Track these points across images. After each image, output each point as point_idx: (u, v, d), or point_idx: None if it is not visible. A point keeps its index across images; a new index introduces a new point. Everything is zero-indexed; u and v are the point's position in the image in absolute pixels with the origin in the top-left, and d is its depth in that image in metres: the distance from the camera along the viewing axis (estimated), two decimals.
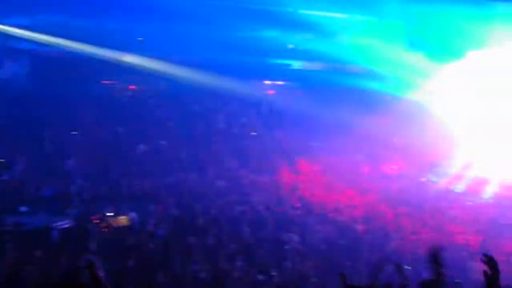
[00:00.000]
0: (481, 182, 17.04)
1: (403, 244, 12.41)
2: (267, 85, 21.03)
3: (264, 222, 13.35)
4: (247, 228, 12.74)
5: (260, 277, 10.18)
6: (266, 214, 13.86)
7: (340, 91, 18.90)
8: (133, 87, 20.04)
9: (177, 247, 11.20)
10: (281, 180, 17.09)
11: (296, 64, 19.77)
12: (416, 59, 17.53)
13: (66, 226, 12.06)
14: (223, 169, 16.83)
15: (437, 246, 4.14)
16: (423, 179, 17.63)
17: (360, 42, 16.96)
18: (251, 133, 19.31)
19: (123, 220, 12.94)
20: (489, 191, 16.26)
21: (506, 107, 18.42)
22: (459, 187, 16.99)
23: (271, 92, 20.87)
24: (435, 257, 4.10)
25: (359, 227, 13.75)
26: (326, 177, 17.34)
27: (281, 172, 17.57)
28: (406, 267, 6.62)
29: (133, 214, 13.12)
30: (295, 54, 18.99)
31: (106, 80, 19.52)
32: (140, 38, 18.24)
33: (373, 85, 18.31)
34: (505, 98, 18.28)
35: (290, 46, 18.70)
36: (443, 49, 16.99)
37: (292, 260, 11.29)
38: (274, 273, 10.33)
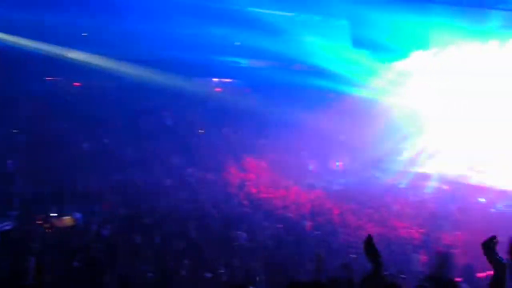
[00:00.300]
0: (423, 178, 17.62)
1: (349, 239, 12.64)
2: (214, 82, 20.99)
3: (212, 220, 13.32)
4: (195, 226, 12.68)
5: (208, 275, 10.14)
6: (213, 212, 13.84)
7: (286, 88, 19.11)
8: (78, 84, 19.54)
9: (124, 247, 11.01)
10: (228, 178, 17.12)
11: (243, 62, 19.81)
12: (361, 57, 17.91)
13: (8, 228, 11.64)
14: (171, 167, 16.70)
15: (370, 236, 4.18)
16: (368, 175, 18.04)
17: (306, 40, 17.15)
18: (199, 131, 19.25)
19: (67, 220, 12.60)
20: (430, 186, 16.81)
21: (447, 105, 19.14)
22: (403, 182, 17.50)
23: (218, 89, 20.86)
24: (370, 247, 4.14)
25: (306, 223, 13.92)
26: (273, 174, 17.50)
27: (228, 170, 17.59)
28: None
29: (78, 214, 12.81)
30: (243, 51, 18.99)
31: (49, 76, 18.96)
32: (84, 34, 17.76)
33: (319, 83, 18.57)
34: (446, 97, 19.00)
35: (238, 43, 18.69)
36: (388, 48, 17.40)
37: (240, 257, 11.31)
38: (222, 271, 10.31)
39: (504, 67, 16.71)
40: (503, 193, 15.42)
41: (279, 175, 17.47)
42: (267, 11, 16.64)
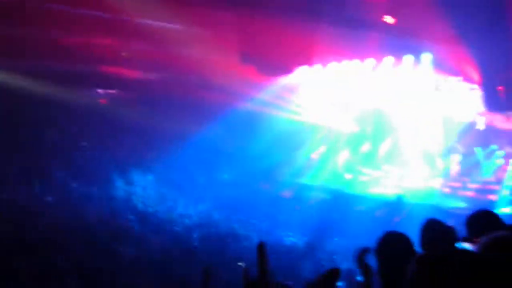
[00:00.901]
0: (307, 189, 18.32)
1: (238, 250, 12.81)
2: (99, 94, 20.34)
3: (98, 236, 12.86)
4: (79, 244, 12.16)
5: None
6: (99, 228, 13.37)
7: (174, 100, 18.98)
8: None
9: (2, 270, 10.31)
10: (114, 192, 16.67)
11: (130, 73, 19.39)
12: (248, 71, 18.26)
13: None
14: (52, 183, 15.88)
15: (262, 243, 4.30)
16: (256, 187, 18.38)
17: (194, 53, 17.19)
18: (82, 144, 18.52)
19: None
20: (314, 197, 17.49)
21: (331, 117, 20.23)
22: (288, 193, 18.06)
23: (103, 101, 20.24)
24: (260, 253, 4.26)
25: (195, 236, 13.91)
26: (160, 187, 17.30)
27: (114, 184, 17.13)
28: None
29: None
30: (129, 63, 18.60)
31: None
32: None
33: (206, 94, 18.68)
34: (330, 109, 20.09)
35: (124, 54, 18.29)
36: (274, 63, 17.92)
37: (127, 273, 11.03)
38: None
39: (379, 83, 18.04)
40: (381, 201, 16.47)
41: (166, 188, 17.30)
42: (155, 22, 16.48)
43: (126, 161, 18.16)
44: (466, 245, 3.72)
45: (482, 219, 4.32)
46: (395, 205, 15.56)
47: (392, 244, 3.86)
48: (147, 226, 14.18)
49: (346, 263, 9.91)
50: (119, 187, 17.02)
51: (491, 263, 2.08)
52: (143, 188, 17.28)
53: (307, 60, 18.04)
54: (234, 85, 18.39)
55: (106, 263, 11.37)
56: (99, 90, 20.43)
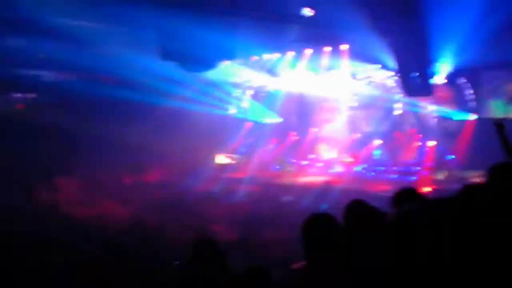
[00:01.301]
0: (236, 182, 18.43)
1: (171, 249, 12.69)
2: (16, 98, 19.50)
3: (22, 249, 12.34)
4: (3, 258, 11.63)
5: None
6: (23, 241, 12.84)
7: (95, 102, 18.50)
8: None
9: None
10: (39, 201, 16.09)
11: (48, 76, 18.69)
12: (169, 68, 18.07)
13: None
14: None
15: (199, 238, 4.25)
16: (185, 185, 18.27)
17: (113, 52, 16.78)
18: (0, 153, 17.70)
19: None
20: (242, 190, 17.60)
21: (257, 111, 20.45)
22: (217, 188, 18.07)
23: (21, 106, 19.43)
24: (197, 248, 4.21)
25: (125, 239, 13.64)
26: (87, 191, 16.88)
27: (38, 192, 16.53)
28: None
29: None
30: (47, 64, 17.90)
31: None
32: None
33: (129, 94, 18.32)
34: (253, 104, 20.29)
35: (40, 55, 17.56)
36: (196, 59, 17.82)
37: (57, 285, 10.68)
38: None
39: (300, 75, 18.43)
40: (308, 190, 16.81)
41: (93, 192, 16.89)
42: (72, 22, 15.91)
43: (49, 167, 17.56)
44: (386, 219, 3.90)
45: (404, 196, 4.55)
46: (322, 193, 15.96)
47: (315, 223, 3.93)
48: (76, 234, 13.77)
49: (278, 253, 10.10)
50: (44, 195, 16.45)
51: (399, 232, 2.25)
52: (69, 194, 16.79)
53: (229, 54, 18.10)
54: (157, 83, 18.17)
55: (33, 277, 10.95)
56: (16, 95, 19.61)
